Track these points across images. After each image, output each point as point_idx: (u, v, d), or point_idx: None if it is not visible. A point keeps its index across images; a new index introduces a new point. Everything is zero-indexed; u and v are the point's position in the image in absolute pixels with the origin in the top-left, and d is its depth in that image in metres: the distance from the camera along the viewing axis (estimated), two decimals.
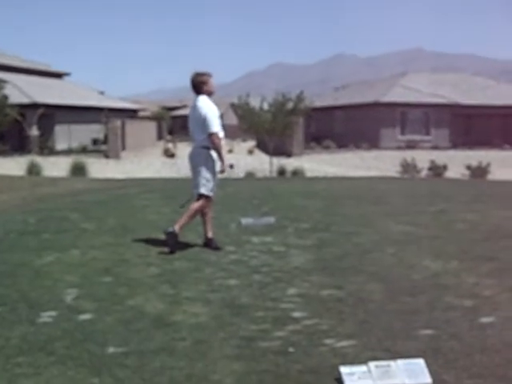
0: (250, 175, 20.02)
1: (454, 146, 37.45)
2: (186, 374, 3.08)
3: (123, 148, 31.88)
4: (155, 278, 4.92)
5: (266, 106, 25.18)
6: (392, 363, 3.06)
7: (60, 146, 32.71)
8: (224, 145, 5.93)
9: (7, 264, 5.37)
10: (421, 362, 3.07)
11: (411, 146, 36.21)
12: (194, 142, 5.95)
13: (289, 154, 30.72)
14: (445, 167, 20.99)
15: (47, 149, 30.59)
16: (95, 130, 35.63)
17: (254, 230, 6.88)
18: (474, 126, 39.29)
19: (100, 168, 22.86)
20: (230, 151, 31.61)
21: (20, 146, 30.64)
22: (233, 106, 31.68)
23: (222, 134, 5.80)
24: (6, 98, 26.89)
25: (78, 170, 19.17)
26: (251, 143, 38.56)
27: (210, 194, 5.89)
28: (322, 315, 3.97)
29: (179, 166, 23.50)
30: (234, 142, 39.51)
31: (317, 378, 3.03)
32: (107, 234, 6.68)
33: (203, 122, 5.72)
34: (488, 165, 20.53)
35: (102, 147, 33.43)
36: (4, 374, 3.09)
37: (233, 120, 39.35)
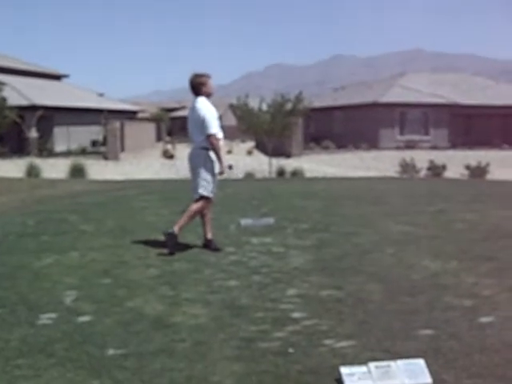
0: (249, 176, 20.04)
1: (453, 146, 37.49)
2: (185, 376, 3.07)
3: (122, 149, 31.87)
4: (154, 279, 4.91)
5: (264, 107, 25.17)
6: (392, 363, 3.06)
7: (59, 147, 32.68)
8: (223, 146, 5.94)
9: (6, 266, 5.37)
10: (421, 362, 3.07)
11: (410, 146, 36.24)
12: (193, 143, 5.95)
13: (288, 155, 30.72)
14: (444, 167, 21.01)
15: (46, 151, 30.57)
16: (94, 132, 35.63)
17: (253, 230, 6.88)
18: (474, 126, 39.32)
19: (99, 170, 22.86)
20: (229, 152, 31.63)
21: (19, 147, 30.59)
22: (232, 106, 31.68)
23: (220, 135, 5.80)
24: (4, 100, 26.85)
25: (77, 172, 19.18)
26: (250, 144, 38.55)
27: (210, 195, 5.89)
28: (322, 316, 3.97)
29: (178, 168, 23.51)
30: (233, 143, 39.51)
31: (317, 379, 3.03)
32: (106, 236, 6.68)
33: (202, 124, 5.71)
34: (487, 165, 20.55)
35: (101, 149, 33.39)
36: (4, 376, 3.09)
37: (232, 121, 39.35)
